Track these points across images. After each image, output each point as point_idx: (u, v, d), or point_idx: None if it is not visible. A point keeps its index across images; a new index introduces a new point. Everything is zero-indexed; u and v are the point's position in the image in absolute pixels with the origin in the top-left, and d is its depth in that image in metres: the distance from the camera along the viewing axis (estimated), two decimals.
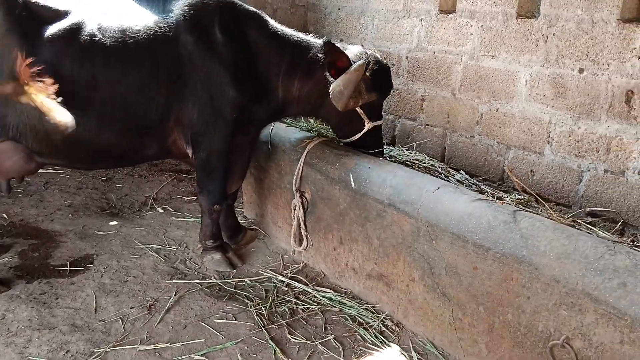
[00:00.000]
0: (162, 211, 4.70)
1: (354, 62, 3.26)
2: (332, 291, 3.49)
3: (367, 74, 3.33)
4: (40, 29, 3.00)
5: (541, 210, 2.91)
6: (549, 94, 3.38)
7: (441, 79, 4.03)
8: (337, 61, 3.26)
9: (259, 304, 3.34)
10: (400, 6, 4.22)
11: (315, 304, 3.38)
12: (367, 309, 3.29)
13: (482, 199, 2.70)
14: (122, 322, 3.14)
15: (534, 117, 3.49)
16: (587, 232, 2.42)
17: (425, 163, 3.84)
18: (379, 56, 3.49)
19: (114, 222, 4.46)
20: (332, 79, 3.27)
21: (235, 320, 3.20)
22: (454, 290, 2.73)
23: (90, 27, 3.08)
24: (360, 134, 3.53)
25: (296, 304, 3.37)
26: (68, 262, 3.77)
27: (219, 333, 3.07)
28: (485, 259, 2.52)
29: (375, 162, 3.29)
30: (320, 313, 3.30)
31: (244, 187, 4.50)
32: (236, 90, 3.32)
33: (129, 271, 3.70)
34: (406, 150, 4.07)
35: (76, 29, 3.05)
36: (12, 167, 3.27)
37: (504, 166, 3.66)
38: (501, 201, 2.64)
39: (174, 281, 3.58)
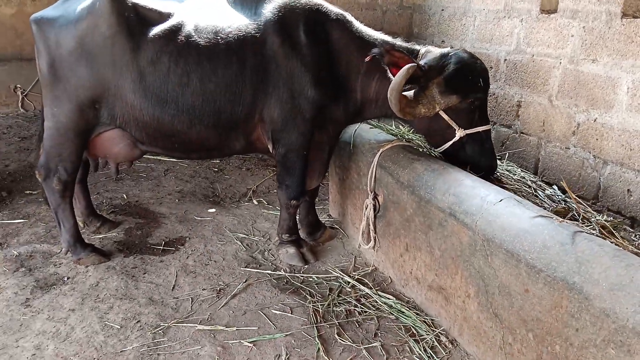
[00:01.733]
0: (257, 203, 4.94)
1: (417, 63, 3.11)
2: (394, 298, 3.40)
3: (441, 77, 3.16)
4: (146, 29, 3.34)
5: (621, 236, 2.57)
6: None
7: (538, 84, 3.69)
8: (398, 62, 3.14)
9: (317, 301, 3.37)
10: (501, 6, 3.94)
11: (374, 308, 3.33)
12: (424, 321, 3.16)
13: (544, 216, 2.44)
14: (192, 302, 3.38)
15: (634, 129, 3.04)
16: None
17: (515, 175, 3.58)
18: (465, 55, 3.23)
19: (213, 210, 4.79)
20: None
21: (291, 313, 3.27)
22: (505, 312, 2.51)
23: (187, 28, 3.36)
24: (450, 143, 3.33)
25: (355, 306, 3.35)
26: (163, 242, 4.14)
27: (273, 323, 3.17)
28: (537, 281, 2.29)
29: (444, 169, 3.13)
30: (375, 318, 3.24)
31: (330, 186, 4.55)
32: (316, 90, 3.39)
33: (211, 255, 3.96)
34: (498, 159, 3.81)
35: (175, 29, 3.35)
36: (119, 152, 3.69)
37: (599, 183, 3.25)
38: (560, 220, 2.36)
39: (247, 269, 3.75)
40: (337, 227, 4.43)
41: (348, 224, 4.24)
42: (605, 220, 2.83)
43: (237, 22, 3.42)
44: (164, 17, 3.39)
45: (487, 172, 3.35)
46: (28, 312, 3.23)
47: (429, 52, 3.37)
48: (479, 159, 3.33)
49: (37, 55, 3.45)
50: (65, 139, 3.50)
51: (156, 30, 3.32)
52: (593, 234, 2.29)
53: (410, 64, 3.05)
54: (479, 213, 2.67)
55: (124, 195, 5.04)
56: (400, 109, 3.13)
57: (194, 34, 3.34)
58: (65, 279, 3.62)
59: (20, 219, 4.42)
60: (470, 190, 2.83)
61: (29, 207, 4.56)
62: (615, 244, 2.26)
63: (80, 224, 4.18)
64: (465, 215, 2.75)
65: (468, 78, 3.24)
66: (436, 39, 4.70)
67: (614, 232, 2.74)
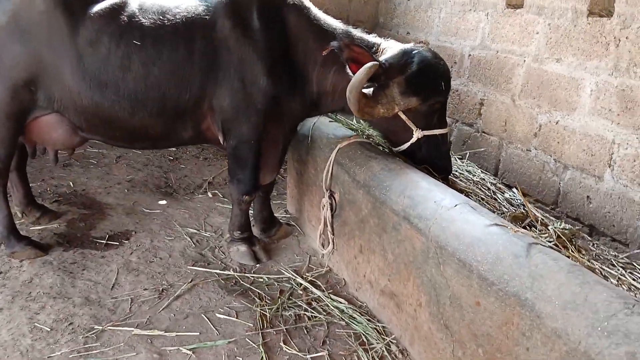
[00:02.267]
0: (212, 196, 4.73)
1: (377, 60, 2.91)
2: (346, 302, 3.25)
3: (403, 76, 2.98)
4: (86, 6, 3.08)
5: (577, 246, 2.47)
6: (615, 108, 2.80)
7: (502, 81, 3.56)
8: (358, 58, 2.95)
9: (266, 305, 3.20)
10: None
11: (325, 313, 3.17)
12: (375, 328, 3.01)
13: (499, 225, 2.31)
14: (131, 302, 3.17)
15: (596, 134, 2.93)
16: (613, 281, 1.97)
17: (475, 176, 3.46)
18: (429, 55, 3.05)
19: (163, 202, 4.56)
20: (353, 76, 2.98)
21: (237, 318, 3.09)
22: (456, 325, 2.38)
23: (131, 6, 3.12)
24: (407, 144, 3.18)
25: (305, 310, 3.19)
26: (107, 236, 3.91)
27: (216, 329, 2.98)
28: (489, 295, 2.15)
29: (401, 169, 2.98)
30: (325, 324, 3.08)
31: (288, 180, 4.38)
32: (269, 79, 3.19)
33: (157, 252, 3.74)
34: (459, 159, 3.69)
35: (118, 8, 3.10)
36: (57, 138, 3.43)
37: (559, 188, 3.15)
38: (515, 229, 2.23)
39: (194, 268, 3.55)
40: (294, 223, 4.26)
41: (305, 221, 4.07)
42: (564, 229, 2.72)
43: (186, 2, 3.18)
44: None
45: (442, 174, 3.23)
46: None
47: (390, 48, 3.19)
48: (435, 161, 3.21)
49: None
50: None
51: (97, 7, 3.07)
52: (548, 246, 2.17)
53: (371, 62, 2.84)
54: (432, 218, 2.53)
55: (71, 183, 4.77)
56: (359, 108, 2.94)
57: (138, 13, 3.09)
58: None
59: None
60: (426, 193, 2.69)
61: None
62: (571, 257, 2.14)
63: (19, 214, 3.93)
64: (419, 220, 2.60)
65: (430, 80, 3.07)
66: (401, 30, 4.52)
67: (571, 241, 2.64)
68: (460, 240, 2.34)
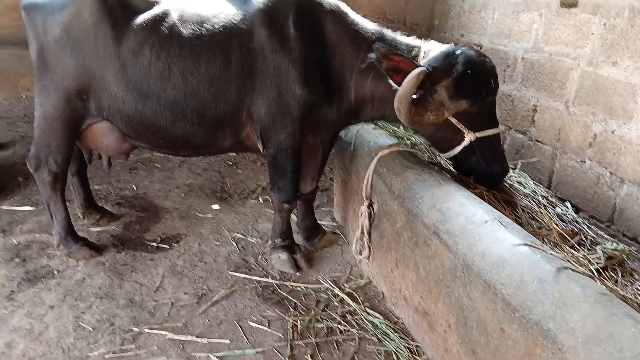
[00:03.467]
0: (262, 202, 4.77)
1: (418, 65, 2.78)
2: (381, 317, 3.14)
3: (449, 79, 2.83)
4: (130, 18, 3.20)
5: (630, 269, 2.23)
6: None
7: (555, 87, 3.28)
8: (399, 66, 2.83)
9: (299, 315, 3.17)
10: None
11: (357, 327, 3.09)
12: (408, 347, 2.89)
13: (529, 245, 2.13)
14: (171, 306, 3.26)
15: None
16: None
17: (526, 188, 3.24)
18: (473, 54, 2.86)
19: (216, 206, 4.67)
20: (396, 86, 2.86)
21: (268, 327, 3.08)
22: (482, 351, 2.22)
23: (172, 17, 3.20)
24: (459, 148, 2.99)
25: (338, 323, 3.12)
26: (159, 238, 4.05)
27: (247, 337, 3.00)
28: (512, 321, 1.99)
29: (435, 180, 2.84)
30: (357, 339, 3.00)
31: (334, 188, 4.32)
32: (304, 88, 3.15)
33: (203, 256, 3.83)
34: (511, 169, 3.46)
35: (159, 19, 3.19)
36: (109, 145, 3.59)
37: (615, 203, 2.86)
38: (549, 251, 2.04)
39: (235, 274, 3.60)
40: (339, 232, 4.20)
41: (349, 230, 4.00)
42: (614, 250, 2.47)
43: (224, 12, 3.22)
44: (149, 4, 3.24)
45: (499, 177, 3.05)
46: (9, 305, 3.20)
47: (432, 50, 3.05)
48: (491, 164, 3.01)
49: (29, 43, 3.39)
50: (52, 130, 3.43)
51: (139, 19, 3.18)
52: (581, 270, 1.96)
53: (418, 70, 2.71)
54: (461, 234, 2.38)
55: (134, 186, 5.00)
56: (409, 118, 2.82)
57: (178, 24, 3.17)
58: (55, 272, 3.59)
59: (30, 205, 4.45)
60: (458, 207, 2.54)
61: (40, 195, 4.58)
62: (606, 285, 1.93)
63: (80, 216, 4.16)
64: (448, 236, 2.46)
65: (478, 80, 2.89)
66: (456, 32, 4.32)
67: (622, 264, 2.39)
68: (486, 259, 2.19)
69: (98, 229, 4.15)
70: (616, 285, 2.30)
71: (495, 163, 3.02)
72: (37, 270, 3.57)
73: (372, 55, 2.87)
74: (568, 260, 2.04)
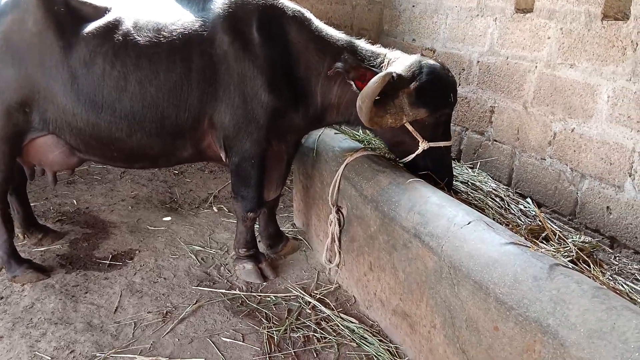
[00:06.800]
0: (217, 211, 4.63)
1: (395, 73, 2.82)
2: (357, 322, 3.13)
3: (412, 86, 2.90)
4: (79, 26, 3.00)
5: (598, 260, 2.34)
6: (634, 114, 2.66)
7: (513, 88, 3.43)
8: (363, 77, 2.87)
9: (273, 326, 3.09)
10: (474, 3, 3.65)
11: (335, 334, 3.05)
12: (388, 350, 2.89)
13: (516, 243, 2.19)
14: (134, 327, 3.07)
15: (614, 142, 2.80)
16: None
17: (486, 186, 3.33)
18: (438, 67, 2.99)
19: (168, 218, 4.47)
20: (359, 90, 2.90)
21: (243, 341, 2.98)
22: (473, 349, 2.25)
23: (126, 25, 3.02)
24: (413, 155, 3.11)
25: (314, 331, 3.07)
26: (110, 255, 3.82)
27: (222, 354, 2.88)
28: (507, 319, 2.03)
29: (410, 183, 2.86)
30: (336, 346, 2.96)
31: (294, 193, 4.27)
32: (270, 94, 3.09)
33: (162, 272, 3.64)
34: (470, 168, 3.57)
35: (112, 27, 3.01)
36: (55, 160, 3.35)
37: (577, 198, 3.01)
38: (534, 247, 2.11)
39: (199, 288, 3.45)
40: (301, 237, 4.15)
41: (312, 235, 3.96)
42: (583, 242, 2.59)
43: (182, 18, 3.08)
44: (100, 12, 3.05)
45: (445, 186, 3.13)
46: None
47: (397, 59, 3.10)
48: (438, 173, 3.12)
49: None
50: None
51: (90, 27, 2.98)
52: (571, 267, 2.04)
53: (385, 72, 2.79)
54: (445, 236, 2.41)
55: (74, 201, 4.69)
56: (369, 118, 2.86)
57: (133, 31, 3.00)
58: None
59: None
60: (437, 210, 2.57)
61: None
62: (595, 279, 2.02)
63: (20, 236, 3.85)
64: (431, 238, 2.48)
65: (439, 91, 3.02)
66: (407, 37, 4.40)
67: (592, 255, 2.51)
68: (475, 260, 2.22)
69: (41, 248, 3.86)
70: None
71: (442, 173, 3.13)
72: None
73: (340, 64, 2.89)
74: (557, 257, 2.11)
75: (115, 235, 4.13)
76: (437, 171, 3.11)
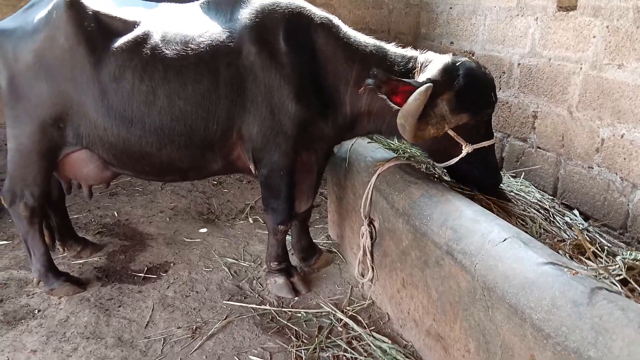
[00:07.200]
0: (252, 222, 4.59)
1: (422, 85, 2.66)
2: (389, 341, 2.97)
3: (451, 92, 2.74)
4: (109, 41, 3.01)
5: None
6: None
7: (556, 92, 3.19)
8: (398, 89, 2.72)
9: (302, 345, 2.98)
10: (514, 3, 3.43)
11: (366, 354, 2.91)
12: None
13: (555, 263, 2.00)
14: (163, 343, 3.05)
15: None
16: None
17: (530, 197, 3.12)
18: (474, 67, 2.81)
19: (204, 230, 4.46)
20: (395, 106, 2.75)
21: None
22: None
23: (154, 38, 3.01)
24: (456, 159, 2.93)
25: (345, 350, 2.94)
26: (145, 268, 3.83)
27: None
28: (545, 348, 1.85)
29: (442, 195, 2.70)
30: None
31: (328, 205, 4.16)
32: (298, 104, 3.00)
33: (194, 285, 3.62)
34: (512, 177, 3.36)
35: (140, 41, 3.00)
36: (89, 174, 3.38)
37: (628, 210, 2.76)
38: (574, 271, 1.91)
39: (230, 303, 3.40)
40: (335, 250, 4.03)
41: (346, 248, 3.84)
42: (634, 260, 2.35)
43: (209, 29, 3.05)
44: (128, 26, 3.05)
45: (491, 187, 3.00)
46: None
47: (430, 62, 2.93)
48: (484, 174, 2.98)
49: None
50: (28, 162, 3.21)
51: (119, 42, 2.98)
52: (615, 290, 1.83)
53: (425, 86, 2.62)
54: (478, 254, 2.24)
55: (115, 213, 4.76)
56: (413, 135, 2.73)
57: (161, 45, 2.98)
58: (36, 312, 3.35)
59: (4, 240, 4.18)
60: (470, 224, 2.39)
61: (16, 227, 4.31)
62: None
63: (60, 249, 3.92)
64: (464, 256, 2.32)
65: (479, 93, 2.85)
66: (444, 40, 4.22)
67: None
68: (510, 281, 2.04)
69: (80, 261, 3.92)
70: None
71: (488, 173, 2.99)
72: (17, 311, 3.32)
73: (370, 81, 2.76)
74: (600, 279, 1.91)
75: (151, 247, 4.15)
76: (481, 172, 2.96)
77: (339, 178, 3.73)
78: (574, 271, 1.89)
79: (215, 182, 5.47)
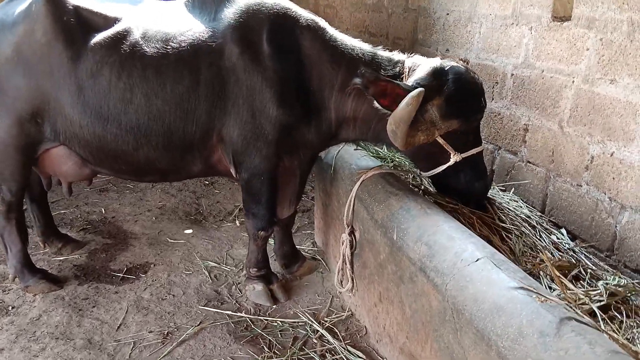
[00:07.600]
0: (239, 225, 4.51)
1: (412, 88, 2.56)
2: (364, 357, 2.87)
3: (441, 97, 2.64)
4: (88, 36, 2.94)
5: (634, 307, 2.01)
6: None
7: (548, 105, 3.07)
8: (386, 91, 2.62)
9: (273, 356, 2.89)
10: (509, 11, 3.31)
11: None
12: None
13: (526, 288, 1.89)
14: (132, 347, 2.98)
15: None
16: None
17: (519, 212, 3.01)
18: (464, 71, 2.70)
19: (189, 231, 4.40)
20: (384, 109, 2.65)
21: None
22: None
23: (134, 35, 2.94)
24: (442, 167, 2.80)
25: None
26: (125, 268, 3.78)
27: None
28: None
29: (422, 208, 2.60)
30: None
31: (315, 211, 4.07)
32: (280, 108, 2.91)
33: (172, 288, 3.55)
34: (502, 190, 3.25)
35: (120, 37, 2.93)
36: (68, 170, 3.31)
37: (615, 231, 2.64)
38: (543, 298, 1.80)
39: (205, 308, 3.32)
40: (320, 258, 3.94)
41: (330, 256, 3.74)
42: (617, 285, 2.25)
43: (192, 28, 2.96)
44: (109, 22, 2.98)
45: (477, 200, 2.87)
46: None
47: (418, 65, 2.83)
48: (470, 184, 2.85)
49: None
50: (6, 156, 3.15)
51: (98, 37, 2.91)
52: (585, 322, 1.72)
53: (417, 90, 2.52)
54: (450, 274, 2.14)
55: (102, 210, 4.72)
56: (405, 142, 2.63)
57: (141, 42, 2.90)
58: (10, 308, 3.31)
59: None
60: (445, 241, 2.29)
61: None
62: (614, 338, 1.70)
63: (41, 245, 3.87)
64: (436, 274, 2.21)
65: (470, 98, 2.75)
66: (440, 46, 4.10)
67: (626, 302, 2.18)
68: (479, 305, 1.94)
69: (60, 258, 3.86)
70: (621, 327, 2.10)
71: (476, 181, 2.86)
72: None
73: (358, 80, 2.66)
74: (571, 308, 1.80)
75: (134, 247, 4.09)
76: (468, 181, 2.83)
77: (325, 184, 3.65)
78: (543, 298, 1.79)
79: (207, 182, 5.40)
